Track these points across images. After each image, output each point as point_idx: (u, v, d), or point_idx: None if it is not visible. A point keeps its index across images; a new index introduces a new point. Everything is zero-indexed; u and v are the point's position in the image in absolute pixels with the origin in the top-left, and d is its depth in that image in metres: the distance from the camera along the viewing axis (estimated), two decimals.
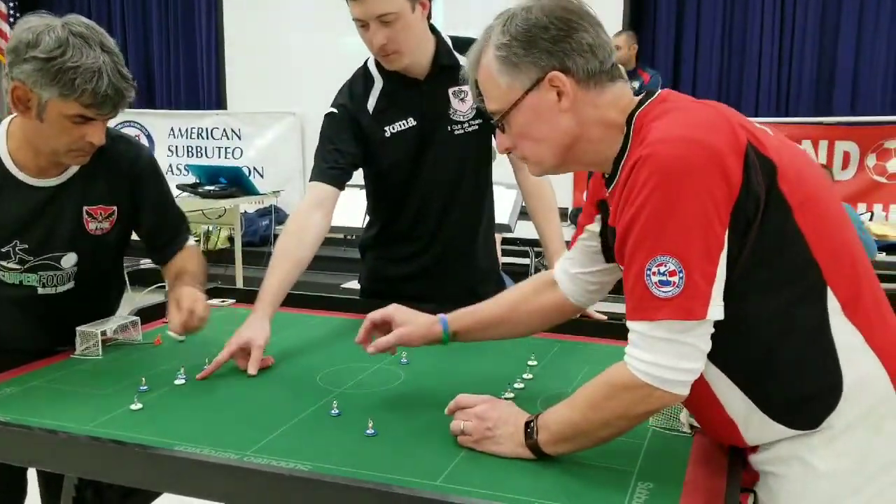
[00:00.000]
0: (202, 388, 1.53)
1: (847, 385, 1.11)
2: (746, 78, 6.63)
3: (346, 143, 1.99)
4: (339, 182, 1.99)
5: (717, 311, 1.07)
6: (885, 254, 4.56)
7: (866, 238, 3.68)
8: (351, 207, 4.14)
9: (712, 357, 1.12)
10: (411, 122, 2.03)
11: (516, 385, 1.53)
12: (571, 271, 1.44)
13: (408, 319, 1.48)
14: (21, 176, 1.61)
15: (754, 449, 1.21)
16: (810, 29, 6.43)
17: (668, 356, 1.07)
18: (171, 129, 7.85)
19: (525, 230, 4.10)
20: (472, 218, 2.16)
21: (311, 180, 2.02)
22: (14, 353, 1.64)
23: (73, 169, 1.67)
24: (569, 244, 1.50)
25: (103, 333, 1.70)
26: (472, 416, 1.26)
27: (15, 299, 1.67)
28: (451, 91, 2.03)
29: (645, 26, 6.80)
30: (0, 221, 1.61)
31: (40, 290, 1.68)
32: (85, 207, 1.69)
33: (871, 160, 5.81)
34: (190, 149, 7.84)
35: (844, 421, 1.12)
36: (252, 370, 1.59)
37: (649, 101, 1.19)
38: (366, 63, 2.08)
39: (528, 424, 1.21)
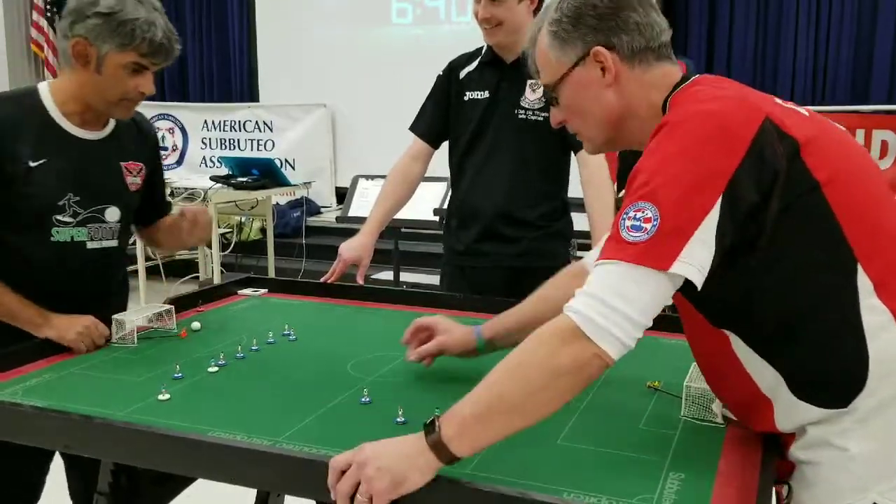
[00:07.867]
0: (235, 376, 1.55)
1: (874, 364, 1.09)
2: (781, 65, 6.50)
3: (436, 107, 2.40)
4: (432, 140, 2.41)
5: (685, 269, 1.03)
6: None
7: None
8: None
9: (739, 330, 1.14)
10: (486, 94, 2.33)
11: None
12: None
13: (448, 329, 1.53)
14: (69, 128, 1.73)
15: (790, 439, 1.19)
16: (847, 14, 6.28)
17: (607, 293, 1.04)
18: (205, 122, 7.94)
19: None
20: (533, 204, 2.31)
21: (411, 128, 2.43)
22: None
23: (110, 127, 1.81)
24: None
25: (139, 322, 1.73)
26: (348, 476, 1.03)
27: (64, 258, 1.73)
28: (529, 82, 2.28)
29: (677, 12, 6.68)
30: (57, 173, 1.70)
31: (89, 245, 1.77)
32: (122, 163, 1.83)
33: None
34: (223, 141, 7.92)
35: (875, 401, 1.10)
36: (359, 279, 2.23)
37: (683, 84, 1.21)
38: None
39: (425, 426, 1.07)
